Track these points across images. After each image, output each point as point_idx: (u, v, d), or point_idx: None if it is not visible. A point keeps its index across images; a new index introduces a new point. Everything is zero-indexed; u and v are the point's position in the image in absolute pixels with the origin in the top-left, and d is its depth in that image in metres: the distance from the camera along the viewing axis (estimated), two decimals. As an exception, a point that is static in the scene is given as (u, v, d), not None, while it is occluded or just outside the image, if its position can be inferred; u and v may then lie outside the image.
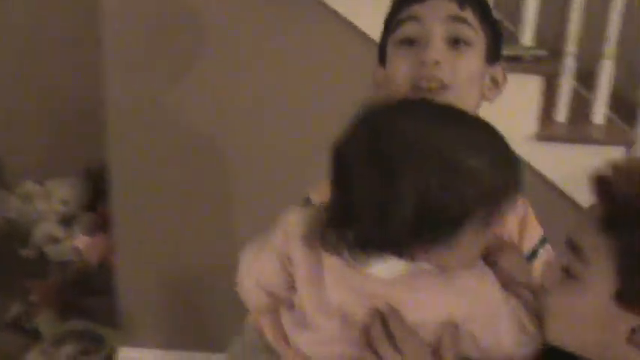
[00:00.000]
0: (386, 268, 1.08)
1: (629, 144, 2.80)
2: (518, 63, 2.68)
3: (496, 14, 2.93)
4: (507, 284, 1.15)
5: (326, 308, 1.12)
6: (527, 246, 1.42)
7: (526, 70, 2.67)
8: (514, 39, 2.77)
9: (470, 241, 1.04)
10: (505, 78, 1.46)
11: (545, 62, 2.74)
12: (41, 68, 3.66)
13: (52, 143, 3.73)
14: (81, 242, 3.24)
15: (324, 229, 1.10)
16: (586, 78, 2.88)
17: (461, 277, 1.09)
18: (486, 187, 1.01)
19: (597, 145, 2.76)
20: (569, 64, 2.74)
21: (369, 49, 2.47)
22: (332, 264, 1.12)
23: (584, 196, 2.68)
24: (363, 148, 1.03)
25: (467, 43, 1.34)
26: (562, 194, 2.77)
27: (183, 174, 2.80)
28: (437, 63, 1.30)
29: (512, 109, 2.66)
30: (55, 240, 3.34)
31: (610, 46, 2.75)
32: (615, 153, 2.76)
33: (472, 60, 1.35)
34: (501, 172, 1.04)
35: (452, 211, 1.00)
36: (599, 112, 2.81)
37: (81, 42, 3.31)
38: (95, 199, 3.45)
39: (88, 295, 3.21)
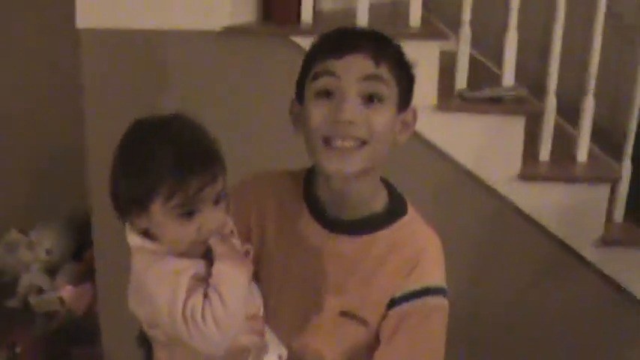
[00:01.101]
0: (130, 238, 1.36)
1: (614, 181, 2.80)
2: (499, 104, 2.69)
3: (476, 54, 3.00)
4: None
5: None
6: (401, 287, 1.45)
7: (508, 111, 2.68)
8: (495, 79, 2.78)
9: (160, 216, 1.29)
10: (415, 115, 1.50)
11: (527, 101, 2.76)
12: (25, 117, 3.65)
13: (36, 191, 3.70)
14: (66, 292, 3.21)
15: None
16: (571, 114, 2.89)
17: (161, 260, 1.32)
18: (164, 170, 1.26)
19: (581, 184, 2.76)
20: (550, 103, 2.75)
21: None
22: None
23: (569, 234, 2.71)
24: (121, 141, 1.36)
25: (380, 100, 1.40)
26: (547, 232, 2.76)
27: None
28: (351, 122, 1.37)
29: (496, 150, 2.69)
30: (40, 290, 3.31)
31: (591, 82, 2.77)
32: (600, 190, 2.77)
33: (385, 114, 1.41)
34: (175, 170, 1.26)
35: (138, 189, 1.29)
36: (583, 149, 2.81)
37: (63, 91, 3.31)
38: (80, 248, 3.43)
39: (73, 345, 3.17)
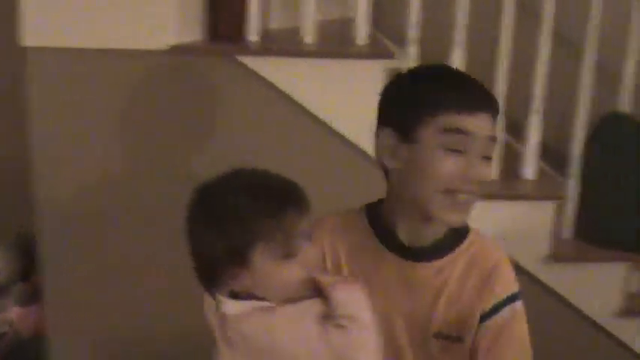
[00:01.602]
0: (231, 307, 1.32)
1: (560, 198, 2.83)
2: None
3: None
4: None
5: None
6: (490, 301, 1.56)
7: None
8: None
9: (263, 264, 1.27)
10: None
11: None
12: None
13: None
14: (14, 313, 3.16)
15: None
16: (519, 131, 2.92)
17: (280, 312, 1.30)
18: (258, 214, 1.27)
19: (529, 201, 2.78)
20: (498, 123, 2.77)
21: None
22: None
23: (516, 251, 2.72)
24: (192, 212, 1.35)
25: (490, 158, 1.51)
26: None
27: (115, 241, 2.75)
28: (479, 181, 1.48)
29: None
30: (-14, 312, 3.25)
31: (536, 101, 2.80)
32: (547, 207, 2.78)
33: (490, 171, 1.54)
34: (269, 210, 1.27)
35: (236, 241, 1.27)
36: (530, 168, 2.83)
37: (7, 108, 3.26)
38: (28, 269, 3.37)
39: (21, 368, 3.12)
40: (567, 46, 2.96)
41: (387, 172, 1.57)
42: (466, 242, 1.60)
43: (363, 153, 2.55)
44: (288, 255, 1.28)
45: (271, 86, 2.56)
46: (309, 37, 2.59)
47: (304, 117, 2.59)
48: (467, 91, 1.49)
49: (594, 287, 2.90)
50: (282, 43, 2.72)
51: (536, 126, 2.81)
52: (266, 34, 2.72)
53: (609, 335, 2.94)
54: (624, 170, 2.86)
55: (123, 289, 2.79)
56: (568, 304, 2.87)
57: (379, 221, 1.60)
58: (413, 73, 1.60)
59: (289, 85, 2.57)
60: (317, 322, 1.28)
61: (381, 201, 1.63)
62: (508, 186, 2.81)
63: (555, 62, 2.82)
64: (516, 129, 2.93)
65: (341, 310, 1.27)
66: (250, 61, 2.53)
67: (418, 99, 1.49)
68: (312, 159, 2.65)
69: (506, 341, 1.56)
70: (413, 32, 2.70)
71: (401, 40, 2.76)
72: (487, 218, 2.70)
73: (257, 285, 1.30)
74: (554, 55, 2.80)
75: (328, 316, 1.28)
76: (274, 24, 2.91)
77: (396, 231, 1.57)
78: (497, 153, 2.76)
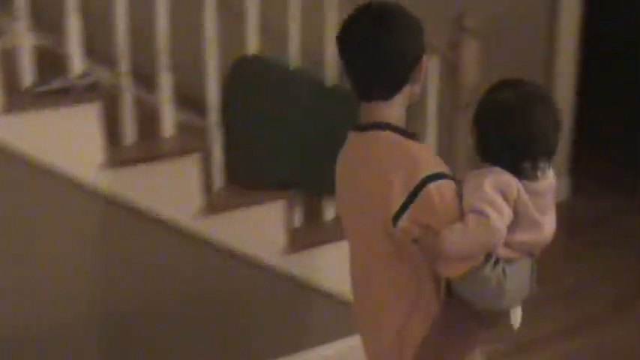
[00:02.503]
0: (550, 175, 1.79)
1: (203, 149, 2.80)
2: (70, 95, 2.57)
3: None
4: None
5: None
6: None
7: (79, 101, 2.56)
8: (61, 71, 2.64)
9: None
10: None
11: (99, 87, 2.66)
12: None
13: None
14: None
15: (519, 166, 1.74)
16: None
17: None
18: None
19: (171, 159, 2.72)
20: (126, 86, 2.68)
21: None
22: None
23: (168, 209, 2.67)
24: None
25: None
26: (148, 217, 2.71)
27: None
28: None
29: (76, 142, 2.57)
30: None
31: (163, 57, 2.74)
32: (191, 161, 2.75)
33: None
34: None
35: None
36: (167, 125, 2.78)
37: None
38: None
39: None
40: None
41: None
42: None
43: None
44: None
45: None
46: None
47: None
48: None
49: (257, 230, 2.93)
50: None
51: (166, 82, 2.75)
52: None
53: (278, 274, 3.00)
54: (263, 110, 2.88)
55: None
56: (232, 254, 2.88)
57: None
58: None
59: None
60: None
61: None
62: (147, 147, 2.73)
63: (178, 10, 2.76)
64: (151, 86, 2.85)
65: None
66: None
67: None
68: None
69: None
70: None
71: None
72: (130, 184, 2.66)
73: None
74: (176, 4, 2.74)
75: None
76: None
77: None
78: (130, 118, 2.69)
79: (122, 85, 2.68)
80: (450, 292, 1.81)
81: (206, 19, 2.77)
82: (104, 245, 2.70)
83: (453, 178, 1.74)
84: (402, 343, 1.84)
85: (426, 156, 1.77)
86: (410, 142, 1.78)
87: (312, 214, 3.16)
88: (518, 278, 1.76)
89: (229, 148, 2.89)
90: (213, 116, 2.85)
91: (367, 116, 1.83)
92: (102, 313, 2.76)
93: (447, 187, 1.70)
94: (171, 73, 2.76)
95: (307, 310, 3.15)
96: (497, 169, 1.72)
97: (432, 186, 1.68)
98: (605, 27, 6.37)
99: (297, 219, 3.10)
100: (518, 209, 1.72)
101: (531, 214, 1.74)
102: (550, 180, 1.79)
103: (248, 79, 2.89)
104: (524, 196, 1.72)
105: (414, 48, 1.78)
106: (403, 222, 1.70)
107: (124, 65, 2.68)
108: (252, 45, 2.91)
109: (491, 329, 1.89)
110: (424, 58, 1.82)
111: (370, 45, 1.74)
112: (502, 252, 1.73)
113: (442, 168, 1.74)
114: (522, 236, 1.74)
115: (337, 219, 3.11)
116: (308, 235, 3.10)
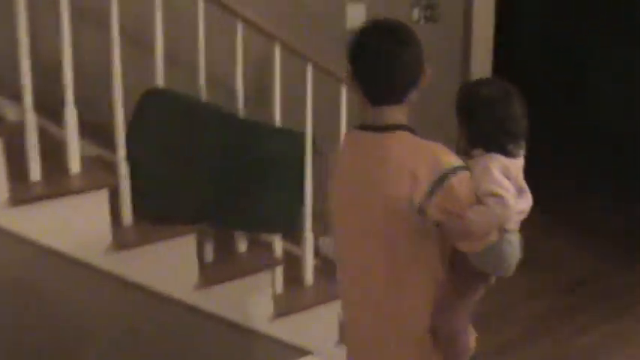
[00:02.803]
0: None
1: (110, 185, 2.74)
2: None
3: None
4: None
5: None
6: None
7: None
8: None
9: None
10: None
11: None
12: None
13: None
14: None
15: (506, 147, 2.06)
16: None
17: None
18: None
19: (78, 195, 2.66)
20: (30, 120, 2.60)
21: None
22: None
23: (79, 248, 2.59)
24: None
25: None
26: (57, 252, 2.64)
27: None
28: None
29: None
30: None
31: (69, 93, 2.68)
32: (99, 197, 2.69)
33: None
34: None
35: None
36: (74, 160, 2.72)
37: None
38: None
39: None
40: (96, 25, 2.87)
41: None
42: None
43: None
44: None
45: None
46: None
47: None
48: None
49: (168, 266, 2.88)
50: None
51: (72, 118, 2.69)
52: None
53: (192, 309, 2.95)
54: (172, 143, 2.85)
55: None
56: (142, 289, 2.83)
57: None
58: None
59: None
60: None
61: None
62: (53, 184, 2.66)
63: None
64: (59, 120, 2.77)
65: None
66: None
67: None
68: None
69: None
70: None
71: None
72: (38, 221, 2.58)
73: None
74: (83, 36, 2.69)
75: None
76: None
77: None
78: (34, 154, 2.62)
79: (26, 121, 2.61)
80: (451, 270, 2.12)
81: (113, 53, 2.74)
82: (15, 282, 2.63)
83: (467, 168, 2.01)
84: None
85: (444, 152, 2.02)
86: (427, 141, 2.05)
87: (224, 248, 3.13)
88: (518, 246, 2.07)
89: (137, 182, 2.83)
90: (122, 151, 2.80)
91: (378, 119, 2.08)
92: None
93: (465, 177, 1.99)
94: (76, 109, 2.70)
95: (222, 346, 3.12)
96: (493, 155, 2.04)
97: (454, 178, 1.96)
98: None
99: (208, 254, 3.07)
100: (514, 183, 2.03)
101: (521, 184, 2.06)
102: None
103: (156, 111, 2.86)
104: (515, 171, 2.05)
105: (421, 58, 2.06)
106: (430, 209, 1.96)
107: (27, 101, 2.60)
108: (160, 77, 2.88)
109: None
110: (426, 66, 2.07)
111: (389, 57, 2.00)
112: (511, 225, 2.04)
113: (459, 162, 2.01)
114: (521, 205, 2.04)
115: (251, 252, 3.12)
116: (220, 269, 3.07)
